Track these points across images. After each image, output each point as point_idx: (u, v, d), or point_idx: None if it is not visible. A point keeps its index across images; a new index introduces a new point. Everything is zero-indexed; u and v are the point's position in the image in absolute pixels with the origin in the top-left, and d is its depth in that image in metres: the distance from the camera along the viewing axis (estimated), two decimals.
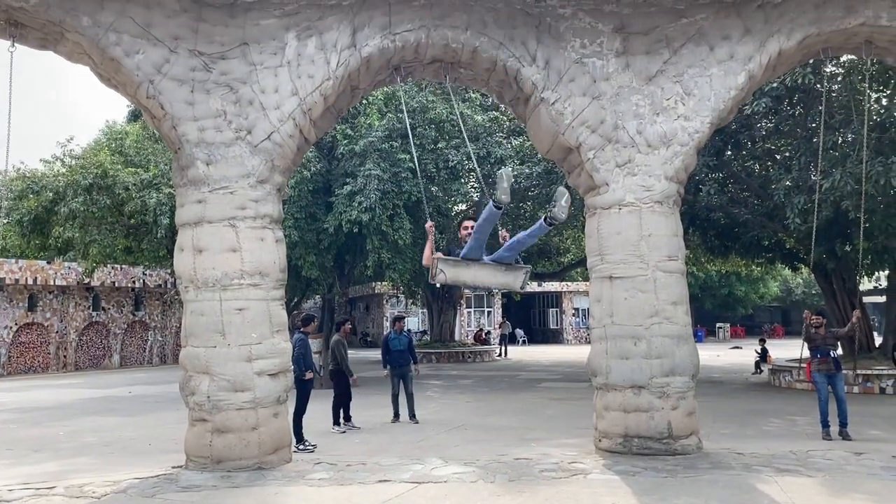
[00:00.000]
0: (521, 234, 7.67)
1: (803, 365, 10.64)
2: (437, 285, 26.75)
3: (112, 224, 19.82)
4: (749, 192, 18.35)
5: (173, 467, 8.29)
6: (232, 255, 8.28)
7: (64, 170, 21.32)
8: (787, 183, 14.70)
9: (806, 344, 10.66)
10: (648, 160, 8.73)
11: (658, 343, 8.48)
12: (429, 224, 7.79)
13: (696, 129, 8.78)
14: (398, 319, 13.49)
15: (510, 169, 8.61)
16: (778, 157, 17.25)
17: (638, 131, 8.76)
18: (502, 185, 7.20)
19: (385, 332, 14.07)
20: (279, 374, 8.40)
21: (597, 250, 8.95)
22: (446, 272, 7.45)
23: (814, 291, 50.96)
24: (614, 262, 8.72)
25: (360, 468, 8.12)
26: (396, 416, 12.59)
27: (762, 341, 22.26)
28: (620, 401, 8.55)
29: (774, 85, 14.29)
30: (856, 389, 15.72)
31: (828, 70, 12.81)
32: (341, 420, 11.88)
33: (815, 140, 14.68)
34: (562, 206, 7.23)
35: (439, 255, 7.51)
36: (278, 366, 8.39)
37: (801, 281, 50.83)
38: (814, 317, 10.59)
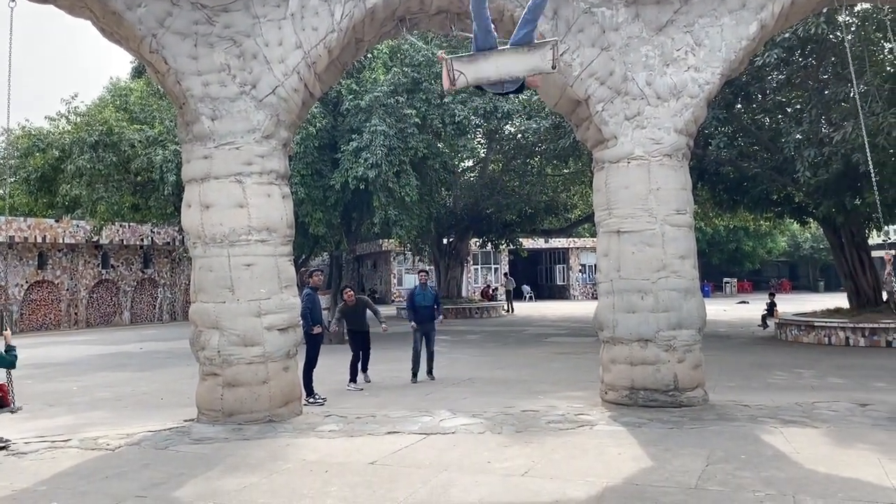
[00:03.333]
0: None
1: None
2: (444, 241, 26.27)
3: (119, 181, 19.86)
4: (758, 145, 18.17)
5: (185, 420, 8.43)
6: (239, 211, 8.28)
7: (69, 127, 21.28)
8: (798, 136, 14.54)
9: None
10: (658, 112, 8.62)
11: (665, 297, 8.48)
12: (440, 54, 6.63)
13: (707, 80, 8.64)
14: (422, 271, 12.88)
15: None
16: (789, 109, 17.03)
17: (647, 83, 8.63)
18: None
19: (411, 288, 13.19)
20: (288, 328, 8.47)
21: (604, 205, 8.90)
22: (465, 72, 6.35)
23: (822, 246, 50.81)
24: (622, 216, 8.68)
25: (369, 420, 8.23)
26: (415, 375, 11.98)
27: (771, 295, 22.27)
28: (627, 354, 8.60)
29: (786, 35, 14.03)
30: (862, 342, 15.78)
31: (841, 19, 12.54)
32: (358, 377, 11.72)
33: (826, 92, 14.48)
34: None
35: (449, 56, 6.37)
36: (287, 321, 8.45)
37: (809, 236, 50.66)
38: None
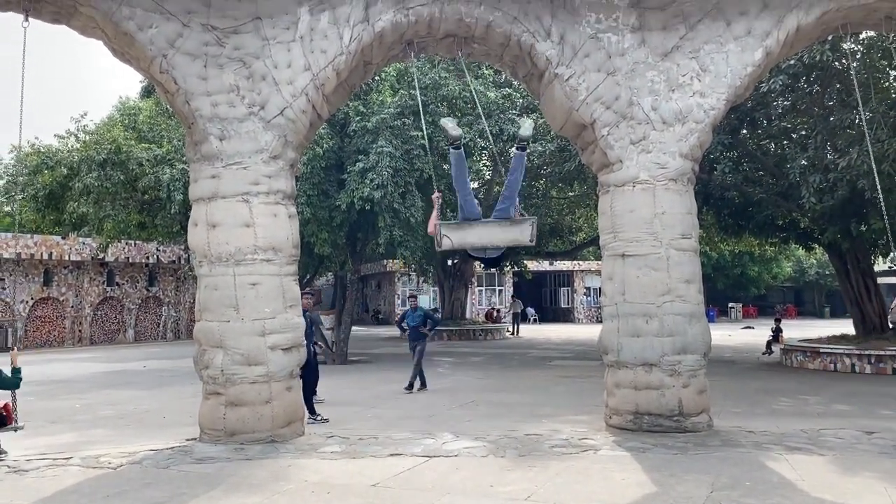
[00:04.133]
0: (508, 178, 7.75)
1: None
2: (449, 262, 26.43)
3: (126, 200, 19.96)
4: (764, 171, 18.21)
5: (187, 440, 8.41)
6: (245, 231, 8.31)
7: (78, 145, 21.45)
8: (803, 162, 14.56)
9: None
10: (663, 137, 8.66)
11: (670, 321, 8.46)
12: (436, 194, 7.75)
13: (712, 105, 8.69)
14: (411, 297, 14.85)
15: (451, 119, 8.11)
16: (794, 135, 17.08)
17: (653, 108, 8.68)
18: (447, 126, 7.57)
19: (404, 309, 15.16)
20: (292, 348, 8.47)
21: (609, 228, 8.91)
22: (451, 237, 7.30)
23: (827, 272, 50.62)
24: (627, 239, 8.69)
25: (371, 442, 8.20)
26: (423, 384, 13.59)
27: (777, 320, 22.18)
28: (631, 378, 8.56)
29: (792, 62, 14.11)
30: (868, 369, 15.68)
31: (846, 47, 12.61)
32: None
33: (831, 118, 14.53)
34: (525, 126, 7.66)
35: (439, 221, 7.42)
36: (291, 340, 8.45)
37: (814, 261, 50.54)
38: None
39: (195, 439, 8.35)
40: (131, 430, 9.85)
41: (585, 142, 9.18)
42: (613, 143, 8.74)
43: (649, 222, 8.59)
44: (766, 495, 5.83)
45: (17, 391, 7.93)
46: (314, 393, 10.78)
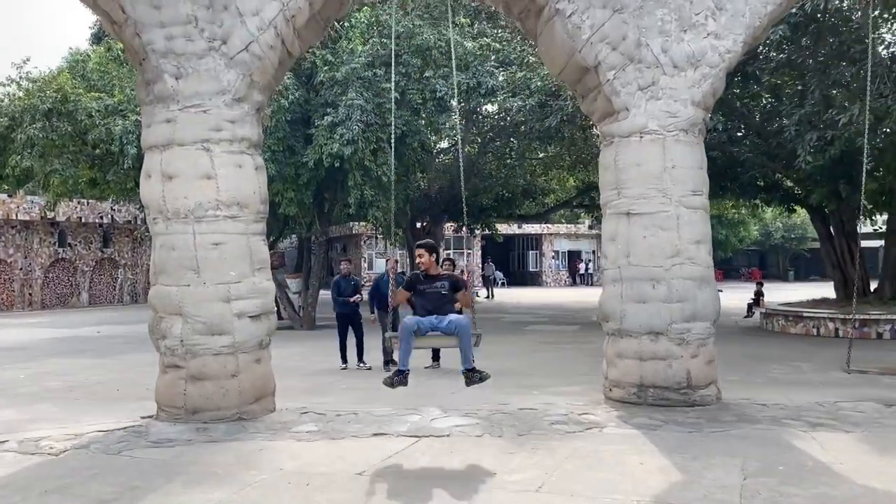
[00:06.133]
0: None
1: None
2: (418, 224, 25.30)
3: (74, 153, 18.53)
4: (749, 129, 17.55)
5: (143, 417, 7.50)
6: (206, 183, 7.31)
7: (20, 93, 19.85)
8: (797, 119, 13.87)
9: None
10: (674, 83, 7.82)
11: (679, 286, 7.73)
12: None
13: (728, 48, 7.85)
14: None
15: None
16: (788, 91, 16.39)
17: (663, 50, 7.81)
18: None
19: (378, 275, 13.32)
20: (261, 315, 7.54)
21: (613, 184, 8.09)
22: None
23: (793, 236, 50.96)
24: (633, 196, 7.88)
25: (351, 419, 7.36)
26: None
27: (759, 284, 21.95)
28: (636, 348, 7.83)
29: (793, 11, 13.32)
30: (851, 334, 15.30)
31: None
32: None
33: (829, 72, 13.84)
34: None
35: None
36: (260, 307, 7.52)
37: (780, 225, 50.68)
38: None
39: (151, 417, 7.44)
40: (80, 406, 8.87)
41: (587, 88, 8.29)
42: (620, 88, 7.86)
43: (658, 177, 7.78)
44: (806, 483, 5.14)
45: None
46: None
